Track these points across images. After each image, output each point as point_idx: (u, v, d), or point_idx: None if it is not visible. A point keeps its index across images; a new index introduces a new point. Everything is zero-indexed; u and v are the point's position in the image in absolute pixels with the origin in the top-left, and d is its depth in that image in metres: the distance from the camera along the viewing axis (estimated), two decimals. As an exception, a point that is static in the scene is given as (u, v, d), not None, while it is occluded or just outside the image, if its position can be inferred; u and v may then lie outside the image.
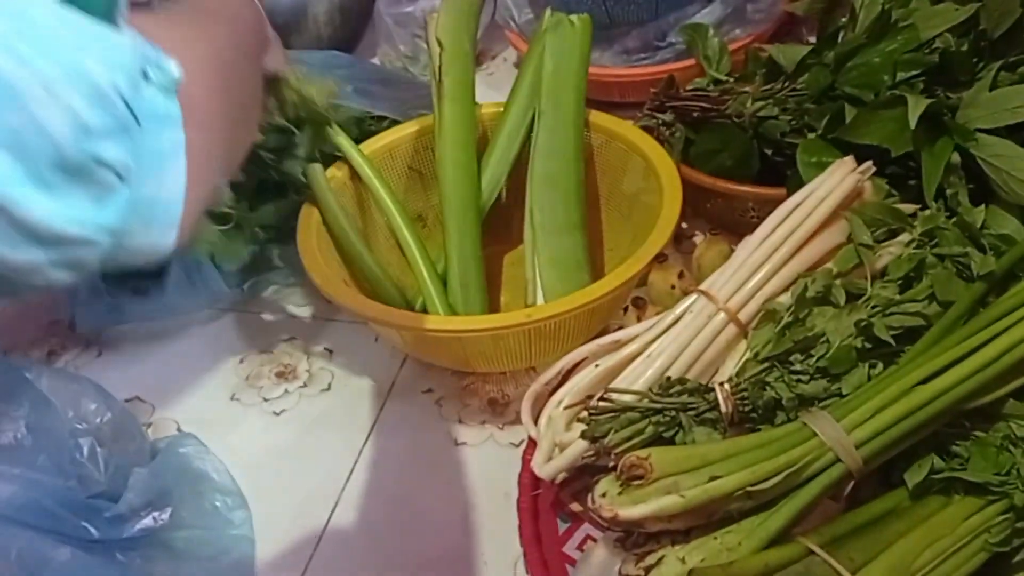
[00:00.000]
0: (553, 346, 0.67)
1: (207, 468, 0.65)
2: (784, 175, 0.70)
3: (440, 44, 0.73)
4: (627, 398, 0.51)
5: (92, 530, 0.57)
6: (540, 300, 0.70)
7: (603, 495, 0.47)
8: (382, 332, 0.71)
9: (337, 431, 0.70)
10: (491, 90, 0.94)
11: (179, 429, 0.72)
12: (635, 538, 0.49)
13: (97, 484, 0.58)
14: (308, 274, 0.66)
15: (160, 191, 0.34)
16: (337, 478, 0.67)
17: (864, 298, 0.51)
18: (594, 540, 0.56)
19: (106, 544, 0.57)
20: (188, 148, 0.34)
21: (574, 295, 0.63)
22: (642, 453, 0.46)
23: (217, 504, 0.63)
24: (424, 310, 0.73)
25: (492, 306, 0.74)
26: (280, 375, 0.75)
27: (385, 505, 0.65)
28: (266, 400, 0.74)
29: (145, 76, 0.32)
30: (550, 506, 0.58)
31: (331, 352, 0.77)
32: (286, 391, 0.74)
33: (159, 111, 0.33)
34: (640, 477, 0.46)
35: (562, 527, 0.58)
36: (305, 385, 0.74)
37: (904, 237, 0.56)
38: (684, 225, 0.79)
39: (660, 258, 0.65)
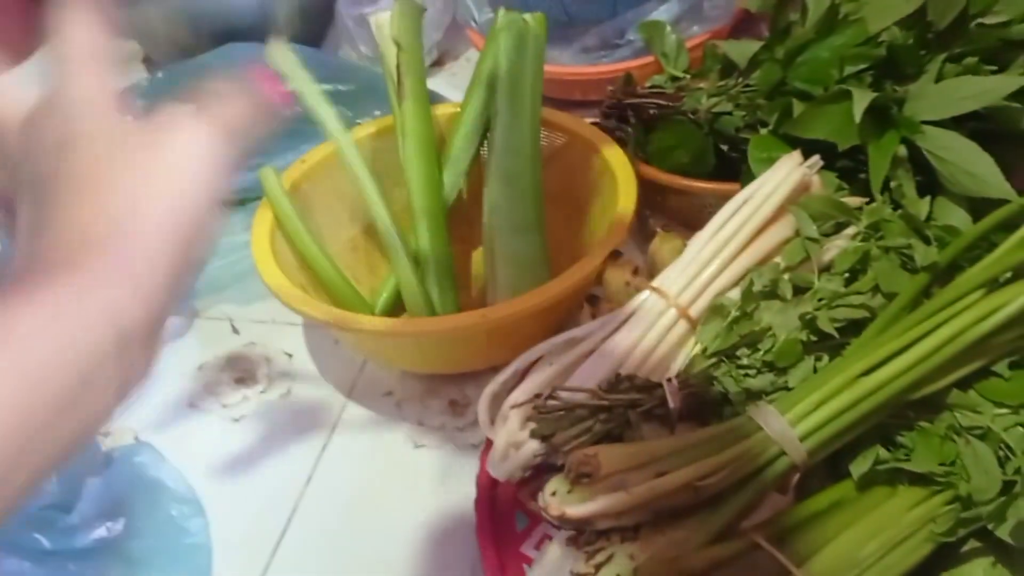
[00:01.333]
0: (512, 345, 0.66)
1: (163, 477, 0.64)
2: (740, 171, 0.70)
3: (398, 45, 0.73)
4: (576, 396, 0.51)
5: (44, 541, 0.56)
6: (498, 299, 0.70)
7: (553, 494, 0.47)
8: (340, 336, 0.71)
9: (296, 436, 0.70)
10: (455, 90, 0.93)
11: (136, 438, 0.71)
12: (586, 536, 0.49)
13: (49, 495, 0.58)
14: (260, 277, 0.66)
15: None
16: (296, 483, 0.66)
17: (810, 291, 0.52)
18: (551, 539, 0.56)
19: (58, 555, 0.57)
20: None
21: (530, 294, 0.63)
22: (590, 451, 0.46)
23: (173, 513, 0.63)
24: (386, 313, 0.73)
25: (460, 306, 0.74)
26: (239, 381, 0.75)
27: (344, 509, 0.65)
28: (225, 406, 0.73)
29: None
30: (509, 505, 0.58)
31: (291, 356, 0.77)
32: (245, 397, 0.74)
33: None
34: (588, 475, 0.46)
35: (520, 526, 0.58)
36: (264, 391, 0.74)
37: (851, 230, 0.56)
38: (651, 220, 0.79)
39: (615, 255, 0.65)
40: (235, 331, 0.79)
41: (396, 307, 0.75)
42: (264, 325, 0.79)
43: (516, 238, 0.70)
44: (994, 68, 0.62)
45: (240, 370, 0.76)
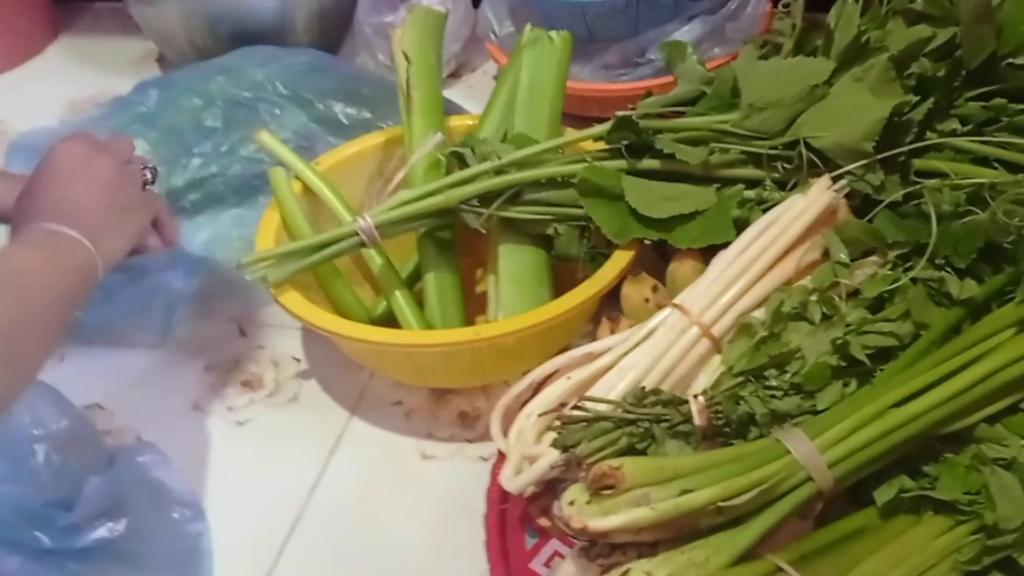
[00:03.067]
0: (510, 363, 0.66)
1: (165, 478, 0.63)
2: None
3: (407, 58, 0.72)
4: (601, 407, 0.50)
5: (44, 539, 0.55)
6: (499, 317, 0.68)
7: (571, 503, 0.46)
8: (336, 343, 0.70)
9: (302, 443, 0.69)
10: (471, 102, 0.93)
11: (139, 438, 0.70)
12: (600, 548, 0.48)
13: (51, 491, 0.56)
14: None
15: None
16: (300, 491, 0.65)
17: (839, 316, 0.51)
18: (561, 556, 0.55)
19: (58, 554, 0.55)
20: None
21: (528, 314, 0.62)
22: (614, 462, 0.45)
23: (175, 515, 0.62)
24: (387, 322, 0.72)
25: (469, 321, 0.73)
26: (246, 384, 0.74)
27: (349, 520, 0.63)
28: (230, 410, 0.72)
29: None
30: (518, 521, 0.57)
31: (299, 361, 0.75)
32: (251, 401, 0.72)
33: None
34: (610, 487, 0.45)
35: (530, 543, 0.57)
36: (271, 395, 0.73)
37: (877, 257, 0.56)
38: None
39: (634, 271, 0.64)
40: (243, 333, 0.78)
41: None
42: (273, 329, 0.78)
43: (519, 254, 0.68)
44: (1022, 107, 0.62)
45: (247, 373, 0.75)
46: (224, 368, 0.75)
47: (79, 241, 0.55)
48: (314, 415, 0.71)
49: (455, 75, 1.08)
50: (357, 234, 0.64)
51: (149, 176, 0.63)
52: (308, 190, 0.73)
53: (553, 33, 0.74)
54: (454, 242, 0.71)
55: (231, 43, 0.93)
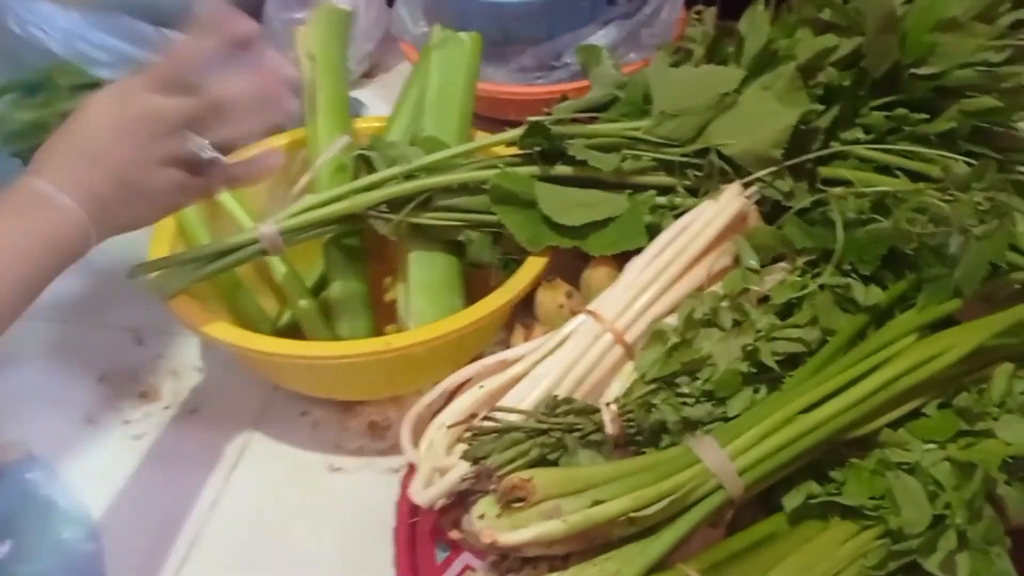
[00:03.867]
0: (421, 373, 0.64)
1: (55, 496, 0.60)
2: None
3: (312, 57, 0.70)
4: (512, 418, 0.49)
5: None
6: (410, 326, 0.66)
7: (481, 517, 0.45)
8: (234, 353, 0.67)
9: (202, 457, 0.66)
10: (385, 102, 0.92)
11: (28, 453, 0.66)
12: (511, 562, 0.47)
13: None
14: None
15: None
16: (200, 508, 0.62)
17: (749, 322, 0.51)
18: (473, 569, 0.53)
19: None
20: None
21: (439, 323, 0.60)
22: (525, 474, 0.45)
23: (65, 536, 0.59)
24: (292, 333, 0.69)
25: (378, 330, 0.70)
26: (143, 396, 0.70)
27: (252, 537, 0.61)
28: (126, 423, 0.68)
29: None
30: (428, 535, 0.56)
31: (200, 372, 0.72)
32: (148, 413, 0.69)
33: None
34: (521, 499, 0.44)
35: (441, 556, 0.56)
36: (170, 407, 0.70)
37: (786, 263, 0.56)
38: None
39: (549, 277, 0.63)
40: (139, 342, 0.75)
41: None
42: (172, 336, 0.75)
43: (431, 262, 0.67)
44: (926, 116, 0.64)
45: (144, 384, 0.71)
46: (120, 379, 0.72)
47: (72, 210, 0.49)
48: (216, 428, 0.68)
49: (369, 75, 1.06)
50: (259, 242, 0.62)
51: (206, 154, 0.54)
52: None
53: (463, 34, 0.73)
54: (362, 248, 0.69)
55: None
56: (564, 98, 0.73)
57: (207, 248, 0.63)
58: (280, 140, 0.75)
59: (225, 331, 0.60)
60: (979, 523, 0.46)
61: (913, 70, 0.63)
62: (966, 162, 0.59)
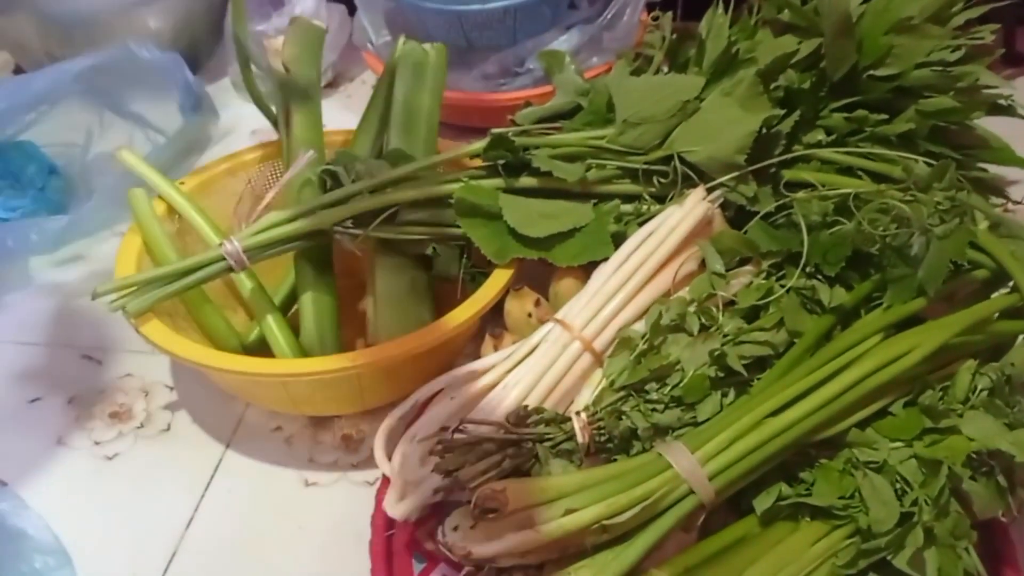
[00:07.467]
0: (391, 387, 0.64)
1: (24, 525, 0.59)
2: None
3: (287, 69, 0.70)
4: (483, 429, 0.49)
5: None
6: (379, 340, 0.65)
7: (455, 529, 0.45)
8: (203, 372, 0.66)
9: (176, 476, 0.65)
10: (349, 112, 0.91)
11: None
12: (486, 572, 0.47)
13: None
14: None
15: None
16: (175, 528, 0.62)
17: (716, 327, 0.52)
18: (450, 581, 0.54)
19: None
20: None
21: (408, 337, 0.60)
22: (497, 485, 0.45)
23: (37, 565, 0.57)
24: (261, 349, 0.69)
25: (348, 345, 0.70)
26: (114, 416, 0.70)
27: (228, 554, 0.60)
28: (97, 444, 0.68)
29: None
30: (404, 547, 0.56)
31: (171, 389, 0.72)
32: (120, 433, 0.68)
33: None
34: (494, 510, 0.44)
35: (417, 568, 0.56)
36: (142, 426, 0.69)
37: (751, 267, 0.57)
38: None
39: (516, 286, 0.63)
40: (108, 362, 0.74)
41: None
42: (143, 355, 0.74)
43: (398, 274, 0.67)
44: (884, 117, 0.64)
45: (114, 404, 0.70)
46: (89, 399, 0.71)
47: None
48: (188, 445, 0.67)
49: (332, 85, 1.05)
50: (224, 259, 0.61)
51: None
52: (173, 211, 0.70)
53: (427, 46, 0.73)
54: (331, 263, 0.69)
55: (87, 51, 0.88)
56: (528, 104, 0.73)
57: (172, 266, 0.62)
58: (248, 155, 0.75)
59: (191, 350, 0.59)
60: (946, 519, 0.47)
61: (871, 72, 0.64)
62: (926, 162, 0.60)
